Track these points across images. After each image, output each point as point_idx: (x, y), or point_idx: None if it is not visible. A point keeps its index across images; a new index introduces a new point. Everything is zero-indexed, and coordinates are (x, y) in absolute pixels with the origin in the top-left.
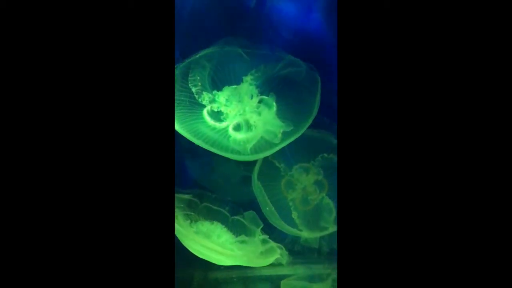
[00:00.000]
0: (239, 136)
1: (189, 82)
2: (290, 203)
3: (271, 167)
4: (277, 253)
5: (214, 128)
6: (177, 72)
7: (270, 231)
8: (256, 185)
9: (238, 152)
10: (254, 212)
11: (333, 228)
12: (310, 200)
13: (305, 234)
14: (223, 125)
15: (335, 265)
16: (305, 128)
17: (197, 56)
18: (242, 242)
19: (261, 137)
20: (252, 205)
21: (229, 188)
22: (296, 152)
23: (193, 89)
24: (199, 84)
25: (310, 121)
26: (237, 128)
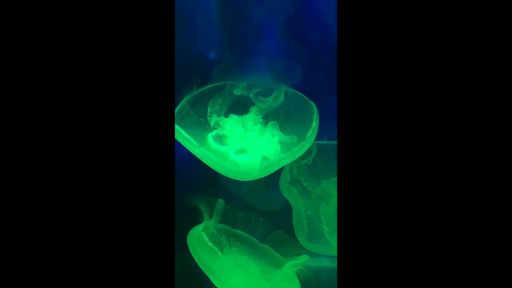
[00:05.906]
0: (241, 160)
1: (210, 102)
2: (322, 217)
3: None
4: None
5: (217, 151)
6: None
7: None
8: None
9: (244, 173)
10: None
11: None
12: None
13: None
14: (225, 149)
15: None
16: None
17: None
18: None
19: (263, 157)
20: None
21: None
22: (328, 164)
23: (209, 109)
24: (217, 107)
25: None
26: (239, 152)
